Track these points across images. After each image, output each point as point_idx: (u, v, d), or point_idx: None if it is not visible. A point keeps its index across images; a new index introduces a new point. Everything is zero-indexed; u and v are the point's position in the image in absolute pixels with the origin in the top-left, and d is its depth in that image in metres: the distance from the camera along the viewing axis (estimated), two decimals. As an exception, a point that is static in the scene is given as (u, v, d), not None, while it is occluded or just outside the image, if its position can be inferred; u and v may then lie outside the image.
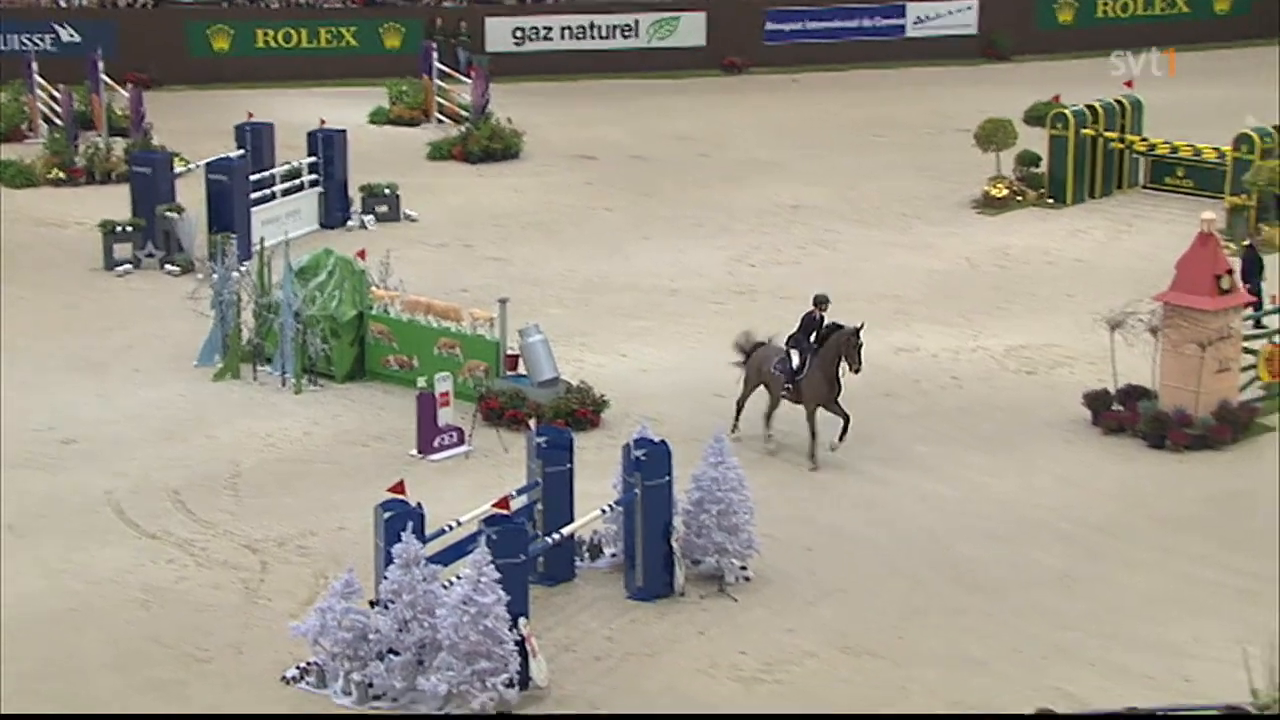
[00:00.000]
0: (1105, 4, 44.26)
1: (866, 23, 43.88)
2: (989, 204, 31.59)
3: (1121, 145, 31.85)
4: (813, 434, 21.38)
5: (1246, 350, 22.39)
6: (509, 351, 23.03)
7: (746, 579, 18.59)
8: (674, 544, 18.25)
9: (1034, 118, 32.48)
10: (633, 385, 23.65)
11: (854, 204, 32.20)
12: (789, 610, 18.04)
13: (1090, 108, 31.76)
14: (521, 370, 22.85)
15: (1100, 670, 16.81)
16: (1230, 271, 22.18)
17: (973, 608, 18.22)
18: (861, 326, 21.30)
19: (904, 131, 36.89)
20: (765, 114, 38.67)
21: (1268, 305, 22.97)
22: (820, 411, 21.36)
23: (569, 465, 18.57)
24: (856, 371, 21.21)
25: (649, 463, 18.05)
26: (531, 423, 20.02)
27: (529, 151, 35.27)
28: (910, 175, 33.72)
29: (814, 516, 20.09)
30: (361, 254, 24.61)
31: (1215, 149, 30.64)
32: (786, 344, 21.76)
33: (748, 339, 22.29)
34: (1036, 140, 32.11)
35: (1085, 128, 31.42)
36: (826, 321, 21.57)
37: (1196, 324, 21.76)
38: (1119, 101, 32.04)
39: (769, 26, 43.39)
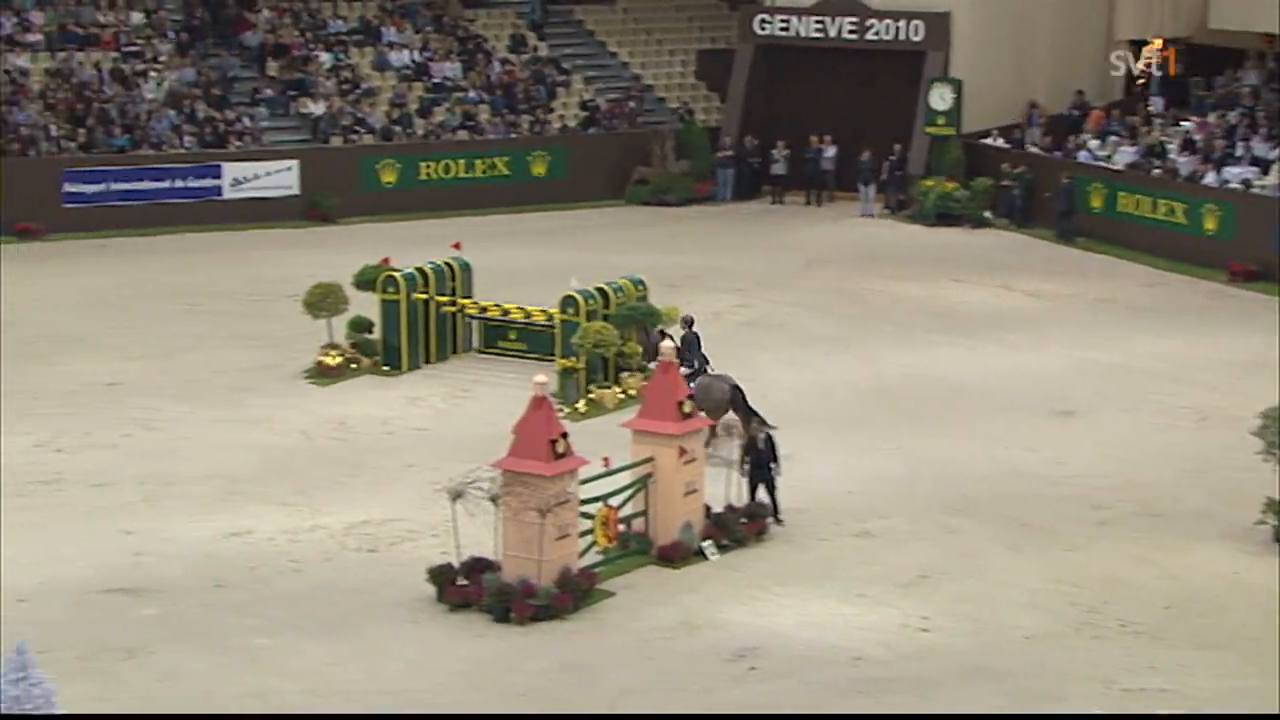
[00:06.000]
0: (428, 165, 44.40)
1: (179, 183, 42.22)
2: (323, 373, 30.40)
3: (454, 309, 31.46)
4: None
5: (584, 515, 22.03)
6: None
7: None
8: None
9: (364, 281, 31.37)
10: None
11: (175, 378, 30.28)
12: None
13: (420, 270, 31.23)
14: None
15: None
16: (566, 435, 21.74)
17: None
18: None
19: (227, 299, 35.38)
20: (69, 283, 36.29)
21: (598, 469, 22.60)
22: None
23: None
24: None
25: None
26: None
27: None
28: (236, 345, 32.18)
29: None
30: None
31: (544, 311, 30.67)
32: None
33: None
34: (368, 305, 31.27)
35: (417, 291, 30.86)
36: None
37: (535, 489, 21.21)
38: (448, 264, 31.68)
39: (67, 188, 40.96)
